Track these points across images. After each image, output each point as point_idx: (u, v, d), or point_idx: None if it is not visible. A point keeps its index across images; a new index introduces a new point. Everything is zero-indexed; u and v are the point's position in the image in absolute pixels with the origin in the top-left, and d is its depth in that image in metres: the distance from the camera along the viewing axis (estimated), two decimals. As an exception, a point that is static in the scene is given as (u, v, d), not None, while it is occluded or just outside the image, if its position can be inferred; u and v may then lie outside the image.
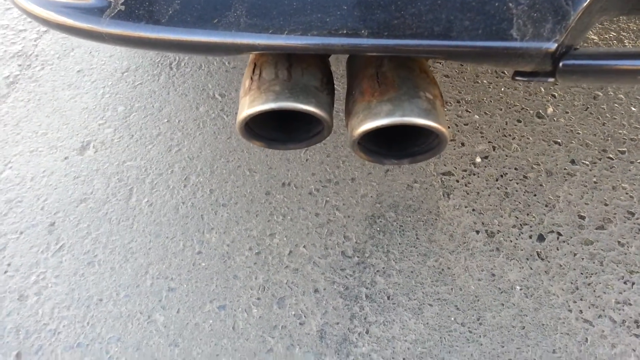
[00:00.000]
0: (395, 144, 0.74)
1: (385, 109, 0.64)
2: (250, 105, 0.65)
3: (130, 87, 1.48)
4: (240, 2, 0.56)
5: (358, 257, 1.14)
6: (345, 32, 0.56)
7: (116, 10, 0.61)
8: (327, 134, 0.72)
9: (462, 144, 1.33)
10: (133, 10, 0.60)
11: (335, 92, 0.79)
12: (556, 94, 1.43)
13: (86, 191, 1.26)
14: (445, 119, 0.66)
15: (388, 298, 1.08)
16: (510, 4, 0.57)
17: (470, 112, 1.40)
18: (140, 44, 0.63)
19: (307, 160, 1.31)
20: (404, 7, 0.56)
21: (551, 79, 0.65)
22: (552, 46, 0.56)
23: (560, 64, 0.58)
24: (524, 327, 1.04)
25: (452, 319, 1.05)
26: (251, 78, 0.69)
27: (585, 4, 0.56)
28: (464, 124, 1.37)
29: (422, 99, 0.65)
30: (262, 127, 0.74)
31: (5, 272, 1.13)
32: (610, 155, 1.30)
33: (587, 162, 1.29)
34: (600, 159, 1.30)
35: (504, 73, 1.49)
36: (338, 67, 1.46)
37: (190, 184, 1.27)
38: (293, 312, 1.07)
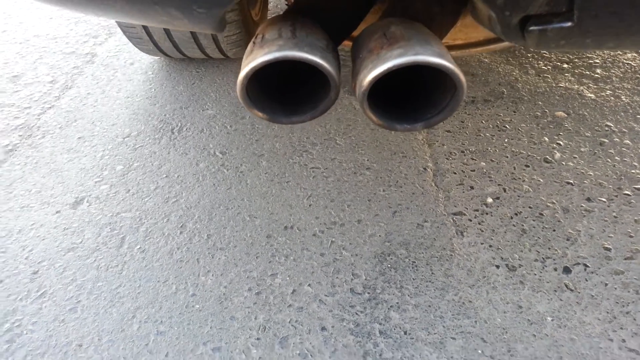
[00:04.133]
0: (407, 114, 0.73)
1: (396, 52, 0.64)
2: (253, 60, 0.65)
3: (130, 150, 1.50)
4: None
5: (369, 293, 1.06)
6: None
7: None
8: (334, 96, 0.71)
9: (471, 187, 1.32)
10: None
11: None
12: (561, 142, 1.45)
13: (75, 241, 1.21)
14: (460, 69, 0.65)
15: (405, 333, 0.98)
16: None
17: (475, 160, 1.40)
18: None
19: (310, 205, 1.28)
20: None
21: (568, 23, 0.64)
22: None
23: None
24: (561, 358, 0.93)
25: (480, 351, 0.95)
26: (253, 43, 0.70)
27: None
28: (471, 170, 1.37)
29: (433, 46, 0.65)
30: (264, 101, 0.73)
31: (-23, 321, 1.04)
32: (627, 192, 1.28)
33: (603, 199, 1.26)
34: (617, 196, 1.27)
35: (506, 127, 1.52)
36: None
37: (187, 230, 1.23)
38: (297, 352, 0.96)
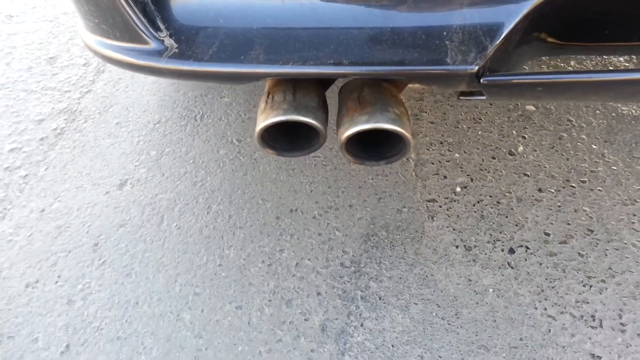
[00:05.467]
0: (374, 151, 1.04)
1: (363, 119, 0.93)
2: (265, 119, 0.95)
3: (161, 136, 1.81)
4: (259, 44, 0.88)
5: (354, 267, 1.40)
6: (332, 62, 0.86)
7: (172, 52, 0.92)
8: (322, 141, 1.02)
9: (445, 177, 1.62)
10: (184, 52, 0.92)
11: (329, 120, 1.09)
12: (526, 136, 1.74)
13: (124, 218, 1.55)
14: (410, 128, 0.95)
15: (380, 299, 1.33)
16: (446, 42, 0.87)
17: (451, 151, 1.70)
18: (189, 75, 0.94)
19: (311, 191, 1.60)
20: (373, 45, 0.87)
21: (483, 97, 0.94)
22: (474, 68, 0.86)
23: (482, 80, 0.87)
24: (495, 321, 1.27)
25: (434, 314, 1.29)
26: (265, 101, 0.99)
27: (497, 42, 0.86)
28: (447, 161, 1.67)
29: (390, 112, 0.94)
30: (274, 139, 1.03)
31: (56, 282, 1.40)
32: (573, 185, 1.58)
33: (552, 190, 1.57)
34: (564, 187, 1.57)
35: (481, 119, 1.80)
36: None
37: (212, 211, 1.56)
38: (299, 311, 1.31)
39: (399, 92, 1.08)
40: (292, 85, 1.02)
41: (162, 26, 0.93)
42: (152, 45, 0.95)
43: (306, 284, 1.37)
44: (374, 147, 1.05)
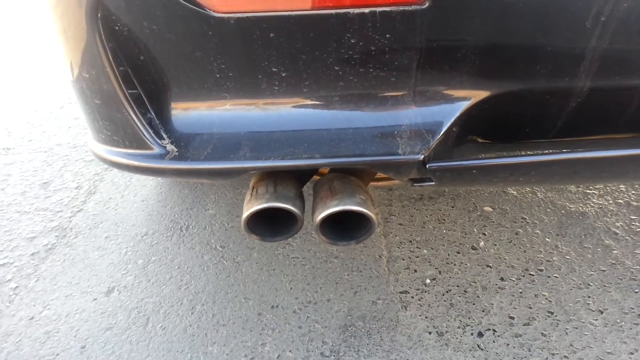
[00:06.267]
0: (345, 234, 1.20)
1: (334, 203, 1.10)
2: (250, 208, 1.12)
3: (148, 246, 1.95)
4: (245, 145, 1.07)
5: (334, 356, 1.48)
6: (306, 156, 1.06)
7: (173, 155, 1.11)
8: (300, 226, 1.18)
9: (415, 271, 1.77)
10: (183, 154, 1.11)
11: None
12: (486, 233, 1.92)
13: (111, 322, 1.63)
14: (374, 211, 1.12)
15: (359, 384, 1.40)
16: (397, 138, 1.08)
17: (419, 248, 1.86)
18: (186, 173, 1.12)
19: (291, 288, 1.72)
20: (339, 142, 1.07)
21: (432, 183, 1.14)
22: (420, 157, 1.06)
23: (427, 166, 1.07)
24: (469, 398, 1.35)
25: (412, 395, 1.36)
26: (250, 194, 1.17)
27: (438, 136, 1.07)
28: (416, 257, 1.82)
29: (357, 197, 1.12)
30: (258, 227, 1.19)
31: (42, 385, 1.44)
32: (532, 273, 1.74)
33: (513, 279, 1.72)
34: (524, 276, 1.73)
35: (445, 220, 1.99)
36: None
37: (196, 311, 1.65)
38: (282, 400, 1.37)
39: (365, 185, 1.27)
40: (273, 180, 1.20)
41: (164, 135, 1.13)
42: (156, 150, 1.14)
43: (288, 374, 1.44)
44: (345, 230, 1.22)
